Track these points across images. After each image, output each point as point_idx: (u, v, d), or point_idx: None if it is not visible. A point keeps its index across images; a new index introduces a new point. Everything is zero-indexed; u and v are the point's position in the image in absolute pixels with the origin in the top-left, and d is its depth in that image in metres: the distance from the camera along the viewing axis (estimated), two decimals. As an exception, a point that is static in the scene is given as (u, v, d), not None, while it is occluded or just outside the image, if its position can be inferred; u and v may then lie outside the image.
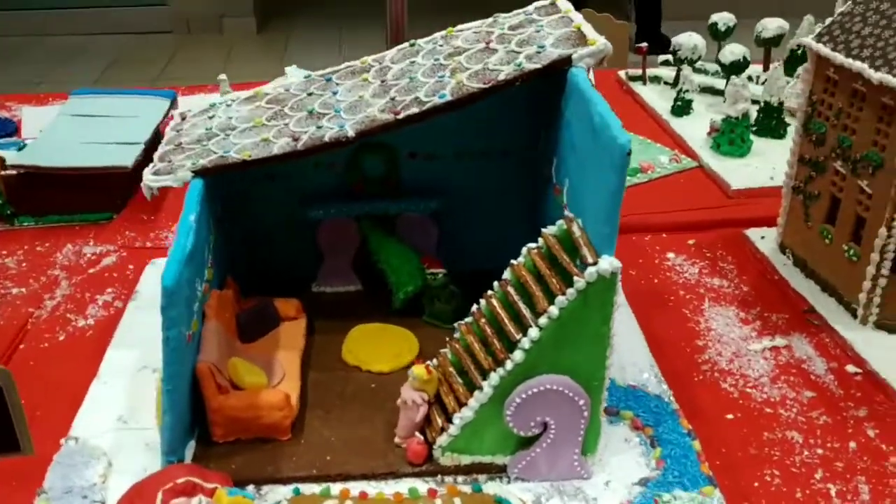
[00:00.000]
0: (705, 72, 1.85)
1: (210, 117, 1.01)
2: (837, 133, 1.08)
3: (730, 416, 0.96)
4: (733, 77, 1.58)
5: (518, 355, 0.78)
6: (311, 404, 0.93)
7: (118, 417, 0.93)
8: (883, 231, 1.02)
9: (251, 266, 1.09)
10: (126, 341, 1.05)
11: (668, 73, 1.87)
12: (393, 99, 0.93)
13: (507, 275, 0.85)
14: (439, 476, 0.85)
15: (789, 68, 1.77)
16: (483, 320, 0.84)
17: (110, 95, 1.66)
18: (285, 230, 1.11)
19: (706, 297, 1.18)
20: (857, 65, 1.01)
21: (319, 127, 0.92)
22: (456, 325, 0.89)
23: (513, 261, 0.84)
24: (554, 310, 0.76)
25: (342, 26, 5.19)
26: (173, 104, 1.64)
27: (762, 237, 1.30)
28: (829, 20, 1.11)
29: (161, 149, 0.97)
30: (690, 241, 1.32)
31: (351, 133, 0.90)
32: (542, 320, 0.77)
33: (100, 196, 1.37)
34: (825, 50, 1.08)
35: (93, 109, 1.57)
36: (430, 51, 1.00)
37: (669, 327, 1.12)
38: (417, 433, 0.86)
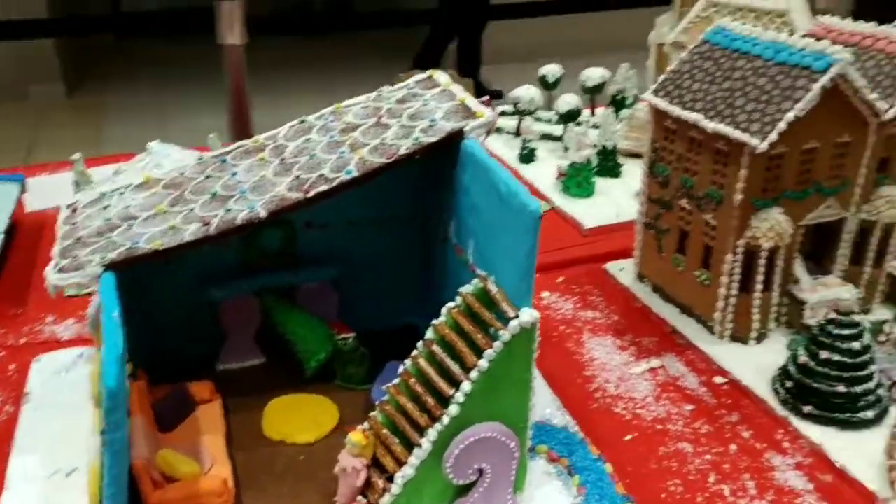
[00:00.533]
0: (540, 120, 2.02)
1: (104, 207, 1.00)
2: (680, 175, 1.24)
3: (628, 437, 1.07)
4: (573, 125, 1.74)
5: (454, 409, 0.84)
6: (245, 485, 0.94)
7: (40, 529, 0.89)
8: (729, 257, 1.18)
9: (154, 353, 1.08)
10: (29, 446, 1.00)
11: (508, 122, 2.02)
12: (298, 177, 0.97)
13: (429, 334, 0.91)
14: (385, 535, 0.89)
15: (613, 112, 1.97)
16: (412, 380, 0.90)
17: (-53, 184, 1.56)
18: (185, 312, 1.10)
19: (584, 330, 1.30)
20: (693, 116, 1.17)
21: (228, 210, 0.94)
22: (384, 387, 0.93)
23: (434, 321, 0.90)
24: (484, 363, 0.83)
25: (163, 91, 5.06)
26: (23, 188, 1.57)
27: (621, 269, 1.44)
28: (661, 77, 1.28)
29: (59, 244, 0.94)
30: (559, 280, 1.44)
31: (263, 213, 0.93)
32: (474, 374, 0.84)
33: (-41, 294, 1.29)
34: (663, 104, 1.23)
35: (-69, 201, 1.47)
36: (322, 127, 1.05)
37: (558, 362, 1.22)
38: (359, 497, 0.90)
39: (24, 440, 1.01)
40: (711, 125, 1.14)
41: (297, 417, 1.04)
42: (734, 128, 1.11)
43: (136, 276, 1.03)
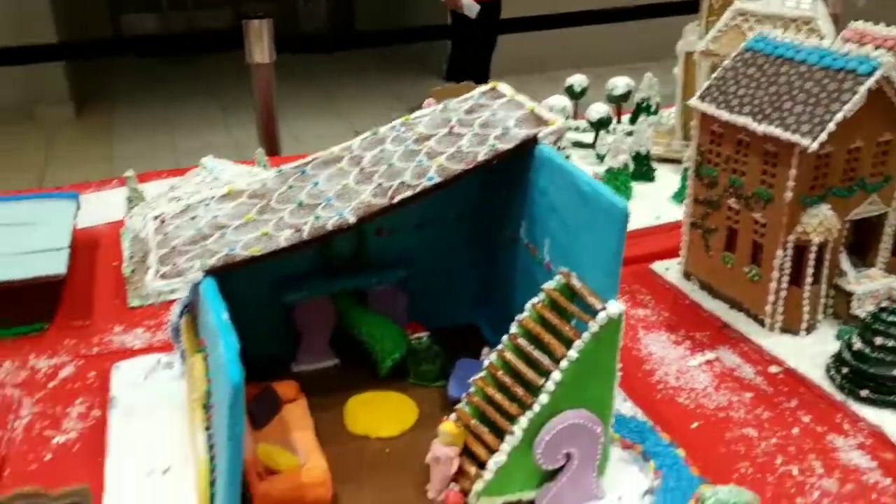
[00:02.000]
0: (570, 128, 2.07)
1: (192, 218, 1.04)
2: (728, 176, 1.29)
3: (694, 425, 1.11)
4: (604, 133, 1.80)
5: (544, 398, 0.89)
6: (339, 477, 0.98)
7: (147, 525, 0.93)
8: (780, 252, 1.23)
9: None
10: (123, 449, 1.04)
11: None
12: (380, 185, 1.02)
13: (514, 328, 0.95)
14: (477, 520, 0.93)
15: (636, 118, 2.03)
16: (500, 372, 0.94)
17: (4, 203, 1.60)
18: (261, 315, 1.14)
19: (638, 327, 1.35)
20: (742, 119, 1.23)
21: (318, 217, 0.99)
22: (469, 380, 0.97)
23: (518, 316, 0.95)
24: (573, 353, 0.88)
25: (170, 106, 5.11)
26: (78, 205, 1.61)
27: (666, 269, 1.49)
28: (706, 84, 1.33)
29: (156, 253, 0.99)
30: (607, 280, 1.49)
31: (352, 219, 0.98)
32: (564, 363, 0.88)
33: (31, 307, 1.33)
34: (711, 109, 1.29)
35: (-7, 219, 1.51)
36: (395, 138, 1.10)
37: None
38: (451, 484, 0.94)
39: (116, 443, 1.05)
40: (761, 128, 1.19)
41: (378, 414, 1.08)
42: (784, 129, 1.16)
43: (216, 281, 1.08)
